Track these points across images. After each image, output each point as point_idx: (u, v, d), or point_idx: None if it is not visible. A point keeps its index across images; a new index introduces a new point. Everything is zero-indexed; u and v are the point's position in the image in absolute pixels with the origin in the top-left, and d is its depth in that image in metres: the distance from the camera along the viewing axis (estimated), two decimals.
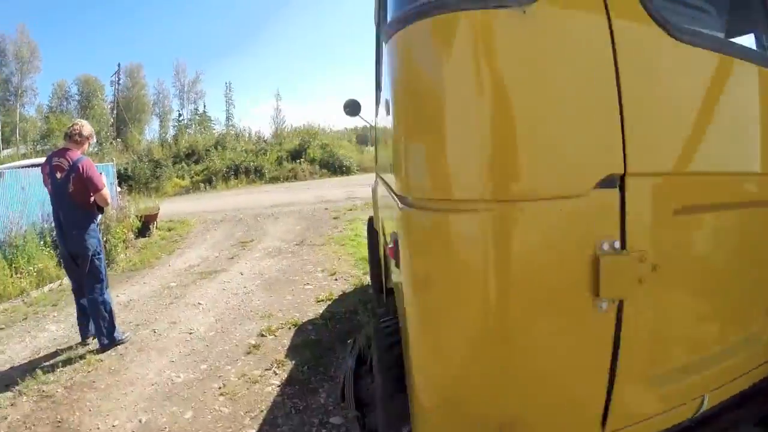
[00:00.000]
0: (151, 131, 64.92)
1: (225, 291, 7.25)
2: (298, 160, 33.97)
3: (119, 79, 60.21)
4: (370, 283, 6.65)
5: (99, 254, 5.22)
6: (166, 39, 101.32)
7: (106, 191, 5.10)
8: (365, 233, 7.17)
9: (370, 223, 6.41)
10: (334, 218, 13.19)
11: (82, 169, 4.95)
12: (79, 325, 5.53)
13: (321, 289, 6.96)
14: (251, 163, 32.67)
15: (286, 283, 7.45)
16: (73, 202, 5.04)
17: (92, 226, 5.15)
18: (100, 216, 5.30)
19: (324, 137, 39.66)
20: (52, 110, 57.74)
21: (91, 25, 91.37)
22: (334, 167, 34.04)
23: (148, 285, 8.18)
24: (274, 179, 31.53)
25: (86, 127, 5.27)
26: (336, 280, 7.37)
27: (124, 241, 10.93)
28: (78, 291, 5.41)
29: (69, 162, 4.98)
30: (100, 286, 5.22)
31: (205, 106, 69.08)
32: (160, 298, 7.24)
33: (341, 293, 6.68)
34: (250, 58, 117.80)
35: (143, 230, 12.49)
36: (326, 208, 14.91)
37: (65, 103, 62.03)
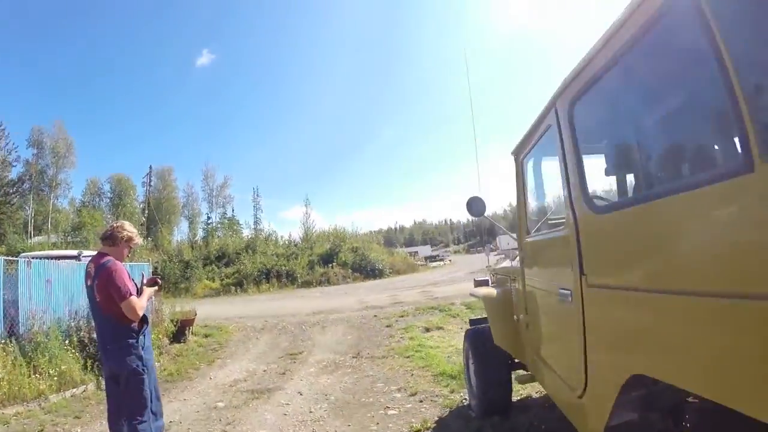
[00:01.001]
0: (180, 232, 66.49)
1: (288, 417, 5.86)
2: (329, 264, 33.26)
3: (150, 181, 61.91)
4: (468, 405, 5.45)
5: (140, 375, 4.01)
6: (196, 144, 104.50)
7: (135, 300, 3.99)
8: (447, 344, 5.90)
9: (477, 333, 5.20)
10: (387, 326, 11.87)
11: (106, 274, 3.98)
12: None
13: (409, 414, 5.56)
14: (282, 267, 31.93)
15: (361, 406, 6.07)
16: (103, 314, 4.05)
17: (130, 341, 4.00)
18: (144, 327, 4.16)
19: (354, 240, 38.99)
20: (85, 204, 59.32)
21: (125, 127, 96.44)
22: (366, 270, 33.14)
23: (190, 402, 6.87)
24: (307, 284, 30.61)
25: (124, 228, 4.36)
26: (421, 401, 5.98)
27: (158, 347, 9.71)
28: (114, 416, 4.17)
29: (95, 267, 4.06)
30: (141, 415, 3.97)
31: (233, 210, 69.79)
32: (208, 423, 5.87)
33: (437, 419, 5.29)
34: (277, 166, 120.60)
35: (178, 335, 11.30)
36: (375, 315, 13.61)
37: (97, 199, 64.24)
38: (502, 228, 5.00)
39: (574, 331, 2.61)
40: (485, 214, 4.65)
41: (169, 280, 29.73)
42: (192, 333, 11.86)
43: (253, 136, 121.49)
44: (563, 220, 2.92)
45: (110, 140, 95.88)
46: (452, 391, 6.16)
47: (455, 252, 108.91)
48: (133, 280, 4.19)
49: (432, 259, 64.73)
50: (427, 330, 10.90)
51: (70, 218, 54.96)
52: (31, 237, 48.77)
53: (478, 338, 5.08)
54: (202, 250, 39.30)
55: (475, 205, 4.52)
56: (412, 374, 7.31)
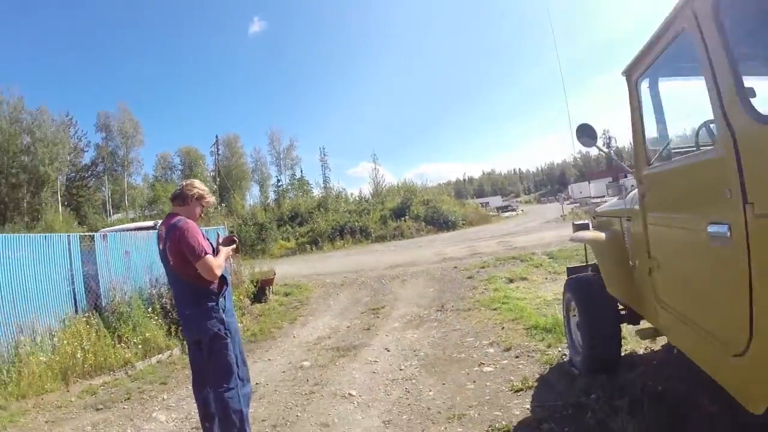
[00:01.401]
0: (252, 197, 67.79)
1: (377, 375, 5.57)
2: (402, 218, 32.92)
3: (218, 149, 62.90)
4: (569, 360, 4.96)
5: (223, 339, 3.71)
6: (259, 110, 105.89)
7: (211, 259, 3.67)
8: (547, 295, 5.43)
9: (581, 281, 4.71)
10: (468, 278, 11.44)
11: (177, 234, 3.65)
12: (202, 427, 4.01)
13: (506, 371, 5.14)
14: (356, 223, 31.84)
15: (453, 362, 5.70)
16: (178, 277, 3.74)
17: (210, 304, 3.70)
18: (225, 289, 3.83)
19: (424, 193, 38.47)
20: (157, 179, 62.18)
21: (188, 102, 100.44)
22: (439, 223, 32.69)
23: (275, 362, 6.72)
24: (381, 238, 30.44)
25: (194, 186, 4.03)
26: (516, 357, 5.54)
27: (239, 309, 9.65)
28: (198, 383, 3.96)
29: (165, 228, 3.77)
30: (227, 382, 3.69)
31: (302, 172, 70.42)
32: (295, 383, 5.67)
33: (538, 377, 4.86)
34: (341, 124, 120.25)
35: (259, 295, 11.25)
36: (455, 267, 13.17)
37: (169, 173, 66.82)
38: (614, 158, 4.38)
39: (732, 274, 2.10)
40: (594, 144, 4.08)
41: (246, 243, 30.12)
42: (272, 292, 11.83)
43: (314, 96, 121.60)
44: (707, 142, 2.41)
45: (174, 116, 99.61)
46: (549, 346, 5.68)
47: (526, 202, 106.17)
48: (208, 239, 3.86)
49: (503, 209, 63.36)
50: (511, 281, 10.40)
51: (145, 194, 57.09)
52: (110, 215, 50.83)
53: (582, 287, 4.59)
54: (275, 212, 39.72)
55: (585, 133, 3.97)
56: (503, 327, 6.87)
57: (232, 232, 31.78)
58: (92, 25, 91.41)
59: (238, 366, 3.80)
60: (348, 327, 8.32)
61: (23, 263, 7.22)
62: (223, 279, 3.81)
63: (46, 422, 5.44)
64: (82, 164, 57.62)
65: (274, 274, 12.35)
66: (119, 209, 53.88)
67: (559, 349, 5.46)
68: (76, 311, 7.54)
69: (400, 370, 5.67)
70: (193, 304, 3.72)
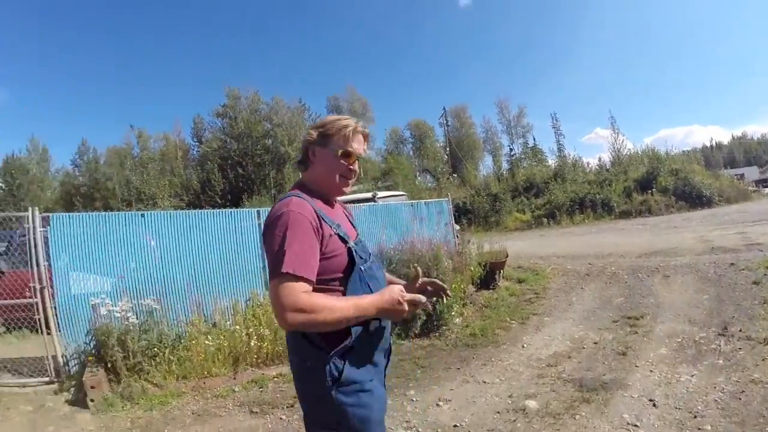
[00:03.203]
0: (485, 167, 66.59)
1: None
2: (648, 191, 28.57)
3: (447, 121, 62.89)
4: None
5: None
6: (484, 80, 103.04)
7: (293, 288, 1.78)
8: None
9: None
10: (754, 283, 8.53)
11: (266, 226, 1.98)
12: None
13: None
14: (596, 196, 28.48)
15: None
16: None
17: (311, 364, 1.97)
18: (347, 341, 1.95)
19: (672, 162, 32.99)
20: (389, 153, 63.62)
21: (410, 77, 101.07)
22: (692, 198, 27.70)
23: (491, 390, 5.14)
24: (625, 214, 26.83)
25: (316, 126, 2.21)
26: None
27: (462, 298, 8.16)
28: None
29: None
30: None
31: (534, 139, 66.76)
32: None
33: None
34: (571, 88, 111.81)
35: (487, 280, 9.66)
36: (732, 264, 10.22)
37: (400, 146, 68.71)
38: None
39: None
40: None
41: (479, 214, 29.09)
42: (503, 277, 10.16)
43: (540, 60, 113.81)
44: None
45: (400, 93, 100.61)
46: None
47: None
48: (345, 239, 2.05)
49: (764, 183, 53.77)
50: None
51: (378, 166, 59.16)
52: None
53: None
54: (509, 182, 37.79)
55: None
56: None
57: (464, 204, 30.87)
58: (315, 27, 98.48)
59: None
60: (595, 343, 6.34)
61: (210, 238, 7.43)
62: (360, 328, 1.97)
63: (192, 413, 4.99)
64: None
65: (506, 255, 10.60)
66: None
67: None
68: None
69: None
70: (293, 349, 2.10)
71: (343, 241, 2.03)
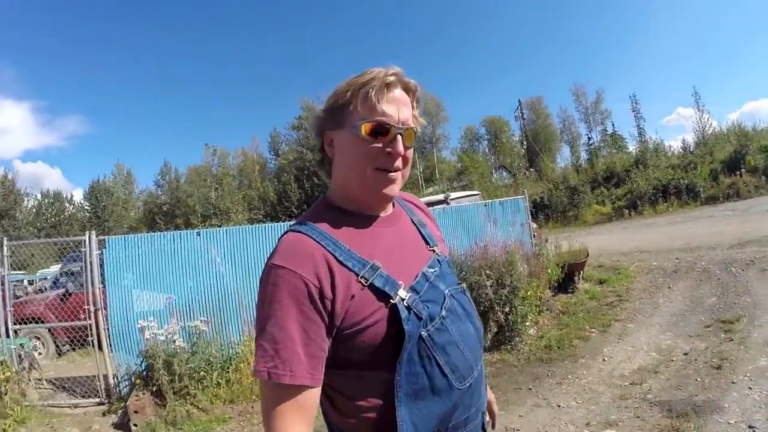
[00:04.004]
0: (563, 159, 64.31)
1: None
2: (736, 172, 26.31)
3: (523, 114, 61.74)
4: None
5: None
6: (558, 67, 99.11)
7: (269, 396, 1.18)
8: None
9: None
10: None
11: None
12: None
13: None
14: (681, 181, 26.60)
15: None
16: None
17: None
18: None
19: (761, 138, 30.28)
20: (464, 151, 62.72)
21: (483, 74, 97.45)
22: None
23: (563, 417, 4.63)
24: (712, 199, 24.88)
25: (329, 97, 1.39)
26: None
27: (537, 305, 7.60)
28: None
29: None
30: None
31: (613, 125, 63.38)
32: None
33: None
34: (649, 66, 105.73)
35: (565, 283, 9.03)
36: None
37: (476, 144, 67.65)
38: None
39: None
40: None
41: (557, 209, 28.06)
42: (582, 278, 9.44)
43: (615, 39, 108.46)
44: None
45: (474, 90, 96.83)
46: None
47: None
48: (384, 290, 1.24)
49: None
50: None
51: (454, 165, 58.20)
52: (422, 189, 54.34)
53: None
54: (588, 173, 36.25)
55: None
56: None
57: (541, 200, 30.08)
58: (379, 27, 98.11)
59: None
60: (686, 354, 5.62)
61: (267, 253, 6.84)
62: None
63: None
64: None
65: (587, 255, 9.85)
66: (432, 183, 56.57)
67: None
68: None
69: None
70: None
71: (382, 295, 1.24)
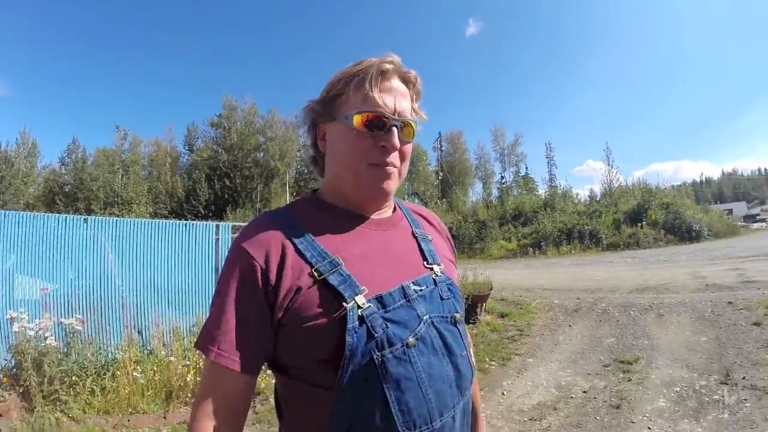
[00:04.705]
0: (474, 193, 67.06)
1: None
2: (637, 224, 28.16)
3: (441, 146, 63.40)
4: None
5: None
6: (482, 106, 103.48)
7: (204, 380, 1.11)
8: None
9: None
10: (755, 324, 7.76)
11: None
12: None
13: None
14: (585, 227, 28.01)
15: None
16: None
17: None
18: None
19: (663, 196, 32.68)
20: None
21: None
22: (681, 232, 27.27)
23: None
24: (613, 246, 26.31)
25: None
26: None
27: None
28: None
29: None
30: None
31: (526, 168, 67.16)
32: None
33: None
34: (566, 119, 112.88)
35: (468, 314, 8.85)
36: (729, 302, 9.42)
37: None
38: None
39: None
40: None
41: (464, 241, 28.65)
42: (485, 310, 9.34)
43: (538, 91, 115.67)
44: None
45: None
46: None
47: None
48: (340, 293, 1.05)
49: (752, 218, 53.76)
50: None
51: None
52: None
53: None
54: (498, 210, 37.47)
55: None
56: None
57: (451, 228, 31.00)
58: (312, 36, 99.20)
59: None
60: (585, 392, 5.51)
61: (161, 252, 6.69)
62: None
63: None
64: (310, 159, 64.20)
65: (491, 288, 9.79)
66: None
67: None
68: None
69: None
70: None
71: (335, 296, 1.05)
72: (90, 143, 76.04)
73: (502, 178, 63.36)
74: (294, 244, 1.09)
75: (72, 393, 5.17)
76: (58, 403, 5.05)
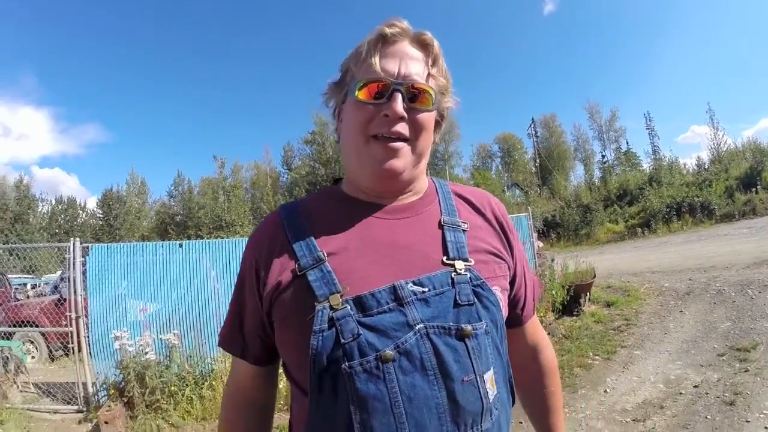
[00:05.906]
0: (576, 177, 63.38)
1: None
2: (752, 189, 25.65)
3: (536, 132, 61.80)
4: None
5: None
6: (573, 85, 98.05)
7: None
8: None
9: None
10: None
11: None
12: None
13: None
14: (695, 199, 25.87)
15: None
16: None
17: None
18: None
19: None
20: (477, 168, 62.64)
21: (497, 90, 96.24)
22: None
23: None
24: (727, 217, 24.07)
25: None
26: None
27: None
28: None
29: None
30: None
31: (627, 143, 62.16)
32: None
33: None
34: (664, 85, 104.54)
35: (570, 305, 8.54)
36: None
37: (489, 161, 67.28)
38: None
39: None
40: None
41: (569, 228, 27.62)
42: (589, 300, 8.94)
43: (629, 60, 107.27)
44: None
45: (487, 106, 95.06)
46: None
47: None
48: (313, 291, 0.96)
49: None
50: None
51: (465, 182, 58.22)
52: None
53: None
54: (601, 191, 36.01)
55: None
56: None
57: (550, 218, 29.52)
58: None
59: None
60: (696, 388, 5.12)
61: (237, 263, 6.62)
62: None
63: None
64: None
65: (594, 276, 9.31)
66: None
67: None
68: None
69: None
70: None
71: (310, 294, 0.95)
72: (194, 174, 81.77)
73: (603, 156, 59.82)
74: (287, 238, 1.03)
75: (172, 402, 5.63)
76: (159, 412, 5.52)
